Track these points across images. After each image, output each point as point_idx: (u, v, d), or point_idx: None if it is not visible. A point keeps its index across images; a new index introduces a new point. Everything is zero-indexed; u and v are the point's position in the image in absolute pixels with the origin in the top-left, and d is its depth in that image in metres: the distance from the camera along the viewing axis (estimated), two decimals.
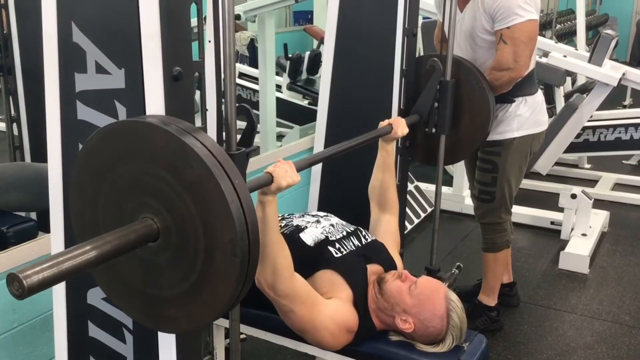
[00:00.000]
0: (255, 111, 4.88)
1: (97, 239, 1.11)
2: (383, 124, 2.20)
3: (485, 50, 2.57)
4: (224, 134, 1.41)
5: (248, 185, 1.39)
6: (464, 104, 2.51)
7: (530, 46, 2.51)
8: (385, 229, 2.17)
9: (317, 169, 2.82)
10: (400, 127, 2.20)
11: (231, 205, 1.13)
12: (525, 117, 2.67)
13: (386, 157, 2.22)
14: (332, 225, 2.02)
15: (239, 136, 1.46)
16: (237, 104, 1.42)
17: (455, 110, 2.49)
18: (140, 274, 1.27)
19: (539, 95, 2.76)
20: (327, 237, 1.95)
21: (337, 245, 1.92)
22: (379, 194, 2.23)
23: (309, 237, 1.93)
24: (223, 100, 1.40)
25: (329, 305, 1.76)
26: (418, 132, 2.53)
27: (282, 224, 2.02)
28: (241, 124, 1.50)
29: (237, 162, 1.33)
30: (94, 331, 1.64)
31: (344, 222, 2.09)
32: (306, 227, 1.98)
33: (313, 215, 2.09)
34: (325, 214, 2.13)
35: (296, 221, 2.03)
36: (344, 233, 2.00)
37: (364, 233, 2.05)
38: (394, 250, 2.11)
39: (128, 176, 1.23)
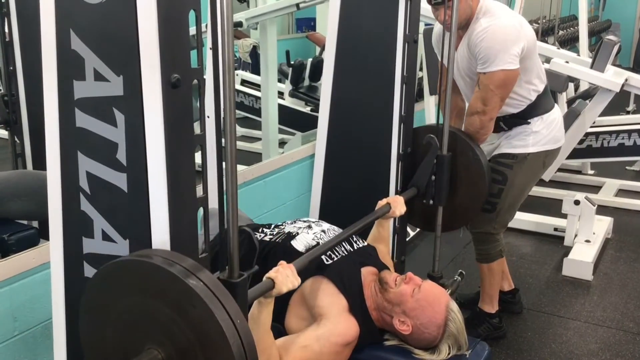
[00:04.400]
0: (257, 118, 4.88)
1: None
2: (381, 203, 2.22)
3: None
4: (226, 258, 1.43)
5: (251, 295, 1.49)
6: (461, 174, 2.54)
7: (499, 93, 2.51)
8: None
9: (318, 179, 2.81)
10: (399, 207, 2.22)
11: (232, 345, 1.20)
12: (542, 134, 2.68)
13: (382, 231, 2.26)
14: (323, 231, 2.02)
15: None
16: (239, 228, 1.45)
17: (452, 181, 2.52)
18: None
19: (555, 112, 2.76)
20: (318, 243, 1.95)
21: (328, 252, 1.92)
22: None
23: (300, 243, 1.94)
24: (224, 212, 1.44)
25: (315, 340, 1.75)
26: (416, 202, 2.55)
27: (275, 232, 2.03)
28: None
29: (239, 290, 1.39)
30: None
31: (335, 228, 2.09)
32: (298, 233, 1.99)
33: (304, 221, 2.10)
34: (317, 220, 2.15)
35: (288, 228, 2.04)
36: None
37: (355, 238, 2.05)
38: None
39: (135, 309, 1.30)
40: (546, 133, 2.68)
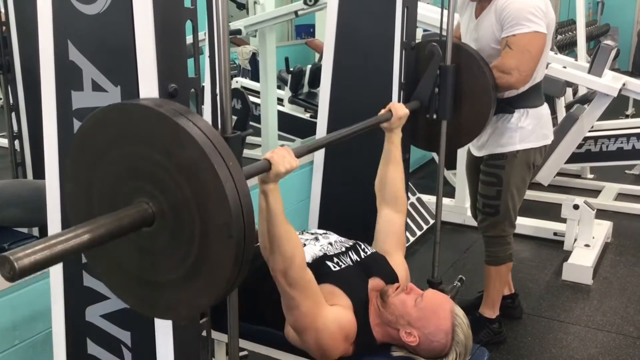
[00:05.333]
0: (257, 125, 4.92)
1: (90, 222, 1.09)
2: (382, 111, 2.17)
3: (494, 57, 2.55)
4: (218, 117, 1.40)
5: (246, 172, 1.39)
6: (465, 89, 2.48)
7: (536, 59, 2.48)
8: (389, 229, 2.14)
9: (317, 183, 2.83)
10: (399, 108, 2.16)
11: (225, 186, 1.11)
12: (528, 129, 2.66)
13: (391, 148, 2.18)
14: (330, 243, 2.01)
15: None
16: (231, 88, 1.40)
17: (456, 96, 2.46)
18: (136, 259, 1.26)
19: (544, 109, 2.74)
20: (325, 254, 1.94)
21: (336, 260, 1.91)
22: (383, 187, 2.18)
23: (307, 254, 1.91)
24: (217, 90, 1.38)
25: (331, 309, 1.76)
26: (419, 119, 2.49)
27: None
28: None
29: (232, 146, 1.31)
30: (93, 349, 1.64)
31: (342, 239, 2.07)
32: (305, 244, 1.97)
33: (312, 233, 2.08)
34: (324, 231, 2.12)
35: None
36: (343, 249, 1.99)
37: (362, 247, 2.04)
38: (398, 253, 2.08)
39: (122, 160, 1.22)
40: (531, 129, 2.66)
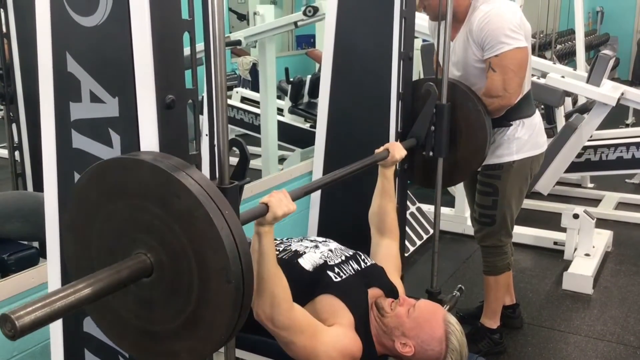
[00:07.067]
0: (257, 135, 4.92)
1: (90, 277, 1.12)
2: (378, 150, 2.21)
3: (479, 77, 2.58)
4: (216, 167, 1.41)
5: (243, 217, 1.41)
6: (461, 126, 2.52)
7: (519, 74, 2.51)
8: (385, 253, 2.16)
9: (316, 195, 2.83)
10: (397, 150, 2.20)
11: (221, 232, 1.13)
12: (524, 139, 2.68)
13: (385, 183, 2.22)
14: (330, 250, 2.01)
15: None
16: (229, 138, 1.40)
17: (452, 133, 2.50)
18: (136, 310, 1.28)
19: (537, 117, 2.76)
20: (325, 261, 1.94)
21: (337, 270, 1.91)
22: (379, 220, 2.22)
23: (308, 262, 1.92)
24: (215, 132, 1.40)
25: (330, 334, 1.74)
26: (416, 155, 2.54)
27: (281, 248, 2.02)
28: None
29: (230, 196, 1.32)
30: (91, 359, 1.64)
31: (342, 247, 2.08)
32: (305, 252, 1.97)
33: (312, 241, 2.08)
34: (324, 239, 2.12)
35: (294, 246, 2.02)
36: (343, 257, 1.99)
37: (363, 257, 2.04)
38: (395, 275, 2.09)
39: (120, 213, 1.24)
40: (527, 138, 2.68)
